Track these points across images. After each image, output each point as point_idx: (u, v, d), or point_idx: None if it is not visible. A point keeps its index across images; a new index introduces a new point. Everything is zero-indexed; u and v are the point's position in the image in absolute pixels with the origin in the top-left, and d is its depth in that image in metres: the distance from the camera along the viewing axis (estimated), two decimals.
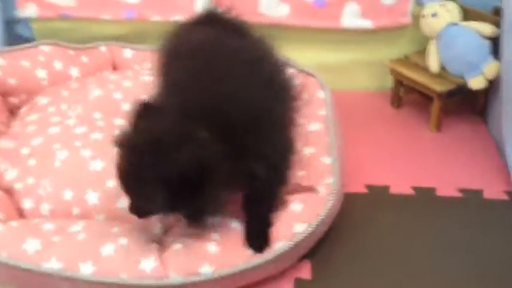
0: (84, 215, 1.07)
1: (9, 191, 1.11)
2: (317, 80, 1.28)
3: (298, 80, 1.30)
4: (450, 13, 1.40)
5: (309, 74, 1.30)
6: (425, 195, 1.24)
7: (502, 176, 1.27)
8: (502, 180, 1.27)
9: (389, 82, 1.56)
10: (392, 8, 1.47)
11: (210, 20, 1.17)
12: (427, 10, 1.42)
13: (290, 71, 1.30)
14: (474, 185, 1.26)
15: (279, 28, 1.49)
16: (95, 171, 1.10)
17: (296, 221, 1.01)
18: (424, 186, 1.26)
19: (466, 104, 1.49)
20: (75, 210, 1.07)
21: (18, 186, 1.11)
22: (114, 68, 1.52)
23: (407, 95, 1.53)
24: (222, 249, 0.97)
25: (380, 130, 1.47)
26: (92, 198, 1.07)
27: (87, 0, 1.51)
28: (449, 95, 1.39)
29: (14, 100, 1.39)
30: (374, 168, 1.31)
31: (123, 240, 0.98)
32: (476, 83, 1.36)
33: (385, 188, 1.26)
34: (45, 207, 1.07)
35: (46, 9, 1.50)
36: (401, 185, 1.26)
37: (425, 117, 1.48)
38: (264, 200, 1.02)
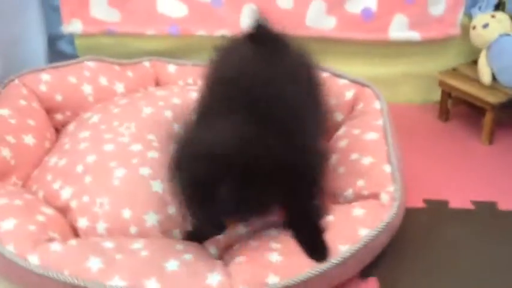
0: (142, 235, 1.04)
1: (64, 210, 1.09)
2: (373, 90, 1.26)
3: (351, 91, 1.29)
4: (501, 24, 1.38)
5: (364, 85, 1.28)
6: (486, 209, 1.20)
7: None
8: None
9: (434, 95, 1.53)
10: (442, 19, 1.45)
11: (258, 36, 1.15)
12: (478, 21, 1.40)
13: (340, 82, 1.31)
14: None
15: (325, 41, 1.47)
16: (156, 192, 1.08)
17: (360, 225, 1.00)
18: (484, 200, 1.22)
19: None
20: (133, 230, 1.05)
21: (73, 204, 1.09)
22: (157, 83, 1.51)
23: (454, 107, 1.50)
24: (285, 257, 0.95)
25: (430, 143, 1.44)
26: (152, 219, 1.05)
27: (131, 16, 1.50)
28: (502, 106, 1.36)
29: (59, 117, 1.38)
30: (430, 182, 1.28)
31: (188, 256, 0.96)
32: None
33: (444, 203, 1.23)
34: (101, 226, 1.05)
35: (91, 25, 1.50)
36: (460, 200, 1.23)
37: (474, 130, 1.45)
38: (309, 207, 1.02)
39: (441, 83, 1.46)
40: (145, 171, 1.11)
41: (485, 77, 1.38)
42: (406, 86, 1.56)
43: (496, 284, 1.02)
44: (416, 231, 1.14)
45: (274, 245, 0.98)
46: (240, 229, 1.06)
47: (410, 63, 1.53)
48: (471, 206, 1.22)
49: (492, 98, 1.35)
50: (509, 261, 1.07)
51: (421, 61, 1.52)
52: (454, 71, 1.48)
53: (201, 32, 1.50)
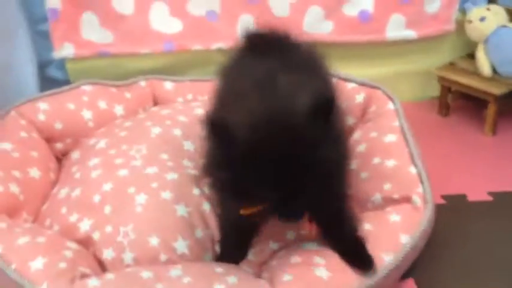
0: (172, 262, 1.01)
1: (85, 242, 1.05)
2: (384, 92, 1.26)
3: (361, 94, 1.29)
4: (497, 16, 1.40)
5: (373, 87, 1.28)
6: (504, 200, 1.22)
7: None
8: None
9: (431, 91, 1.55)
10: (437, 16, 1.47)
11: (260, 44, 1.09)
12: (474, 15, 1.42)
13: (348, 86, 1.30)
14: None
15: (322, 45, 1.46)
16: (182, 217, 1.05)
17: (400, 232, 0.99)
18: (501, 191, 1.24)
19: None
20: (163, 257, 1.01)
21: (96, 236, 1.04)
22: (156, 102, 1.47)
23: (453, 102, 1.52)
24: (333, 273, 0.93)
25: (434, 139, 1.45)
26: (181, 246, 1.02)
27: (124, 36, 1.46)
28: (505, 97, 1.38)
29: (59, 146, 1.32)
30: (444, 177, 1.29)
31: (231, 279, 0.93)
32: None
33: (463, 197, 1.24)
34: (128, 256, 1.01)
35: (83, 48, 1.45)
36: (477, 192, 1.24)
37: (475, 122, 1.47)
38: (342, 215, 0.99)
39: (440, 78, 1.47)
40: (167, 195, 1.08)
41: (486, 69, 1.41)
42: (404, 84, 1.57)
43: None
44: (442, 228, 1.14)
45: (319, 259, 0.96)
46: (271, 244, 1.04)
47: (406, 62, 1.54)
48: (489, 198, 1.23)
49: (495, 90, 1.37)
50: None
51: (417, 59, 1.54)
52: (451, 66, 1.50)
53: (197, 47, 1.48)
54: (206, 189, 1.10)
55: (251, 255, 1.03)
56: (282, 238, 1.06)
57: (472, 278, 1.03)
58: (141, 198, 1.07)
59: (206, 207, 1.07)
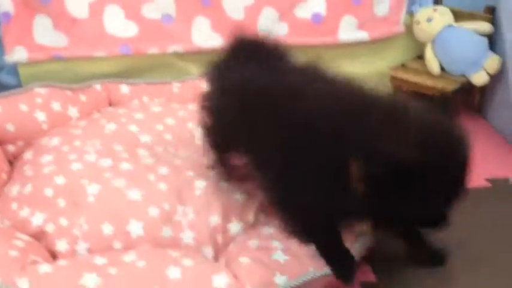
0: (128, 248, 0.98)
1: (38, 236, 1.01)
2: None
3: None
4: (444, 16, 1.46)
5: None
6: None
7: None
8: None
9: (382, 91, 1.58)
10: (386, 18, 1.52)
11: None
12: (421, 16, 1.47)
13: None
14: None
15: None
16: (134, 200, 1.03)
17: None
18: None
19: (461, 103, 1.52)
20: (117, 245, 0.99)
21: (49, 228, 1.01)
22: (111, 105, 1.46)
23: None
24: (291, 257, 0.94)
25: None
26: (136, 228, 1.00)
27: (79, 39, 1.44)
28: (456, 93, 1.43)
29: (11, 148, 1.28)
30: None
31: (188, 262, 0.91)
32: (479, 78, 1.41)
33: None
34: (82, 246, 0.99)
35: (36, 51, 1.43)
36: None
37: None
38: None
39: (393, 78, 1.51)
40: (119, 183, 1.06)
41: (435, 67, 1.45)
42: None
43: None
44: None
45: (276, 243, 0.96)
46: (231, 228, 1.03)
47: (359, 64, 1.57)
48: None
49: (446, 86, 1.42)
50: None
51: (370, 61, 1.57)
52: (402, 67, 1.54)
53: (153, 50, 1.48)
54: None
55: (210, 239, 1.01)
56: (242, 221, 1.04)
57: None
58: (94, 189, 1.05)
59: (162, 186, 1.05)
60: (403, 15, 1.53)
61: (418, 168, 0.73)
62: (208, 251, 1.00)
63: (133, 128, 1.26)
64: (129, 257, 0.93)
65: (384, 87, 1.54)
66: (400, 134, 0.75)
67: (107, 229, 0.99)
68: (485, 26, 1.43)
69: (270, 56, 1.04)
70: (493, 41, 1.43)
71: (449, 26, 1.45)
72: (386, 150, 0.73)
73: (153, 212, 1.01)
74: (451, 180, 0.79)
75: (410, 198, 0.76)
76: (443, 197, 0.80)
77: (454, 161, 0.78)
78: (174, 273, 0.88)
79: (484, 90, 1.51)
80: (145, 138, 1.24)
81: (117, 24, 1.46)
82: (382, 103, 0.83)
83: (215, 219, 1.03)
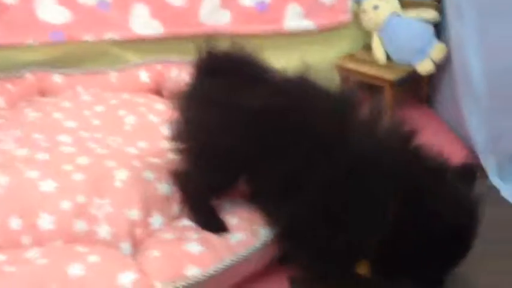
0: (38, 244, 0.92)
1: None
2: None
3: None
4: (390, 4, 1.42)
5: None
6: None
7: None
8: None
9: (332, 83, 1.53)
10: (333, 7, 1.47)
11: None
12: (367, 4, 1.43)
13: None
14: None
15: (220, 37, 1.43)
16: (45, 192, 0.96)
17: None
18: None
19: (409, 93, 1.48)
20: (25, 239, 0.92)
21: None
22: (43, 95, 1.39)
23: None
24: (205, 246, 0.89)
25: None
26: (46, 223, 0.93)
27: (8, 26, 1.37)
28: (400, 83, 1.39)
29: None
30: None
31: (93, 258, 0.85)
32: (424, 66, 1.38)
33: None
34: None
35: None
36: None
37: None
38: None
39: (339, 68, 1.47)
40: (32, 174, 0.98)
41: (380, 57, 1.41)
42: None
43: None
44: None
45: (193, 235, 0.92)
46: (152, 222, 0.97)
47: (307, 54, 1.51)
48: None
49: (391, 75, 1.37)
50: None
51: (317, 50, 1.51)
52: (349, 57, 1.49)
53: (89, 37, 1.41)
54: None
55: (128, 234, 0.95)
56: (165, 215, 0.99)
57: None
58: (3, 180, 0.97)
59: (79, 177, 0.98)
60: (350, 4, 1.48)
61: (451, 229, 0.80)
62: (127, 247, 0.94)
63: (58, 115, 1.19)
64: (31, 254, 0.86)
65: (332, 78, 1.49)
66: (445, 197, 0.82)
67: (15, 223, 0.92)
68: (432, 14, 1.39)
69: (249, 72, 0.96)
70: (439, 29, 1.39)
71: (396, 13, 1.41)
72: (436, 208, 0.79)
73: (65, 205, 0.95)
74: (465, 245, 0.85)
75: (429, 252, 0.81)
76: (453, 260, 0.86)
77: (473, 230, 0.84)
78: (75, 270, 0.82)
79: (431, 80, 1.47)
80: (70, 124, 1.17)
81: (49, 10, 1.39)
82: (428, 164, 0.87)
83: (135, 213, 0.96)
